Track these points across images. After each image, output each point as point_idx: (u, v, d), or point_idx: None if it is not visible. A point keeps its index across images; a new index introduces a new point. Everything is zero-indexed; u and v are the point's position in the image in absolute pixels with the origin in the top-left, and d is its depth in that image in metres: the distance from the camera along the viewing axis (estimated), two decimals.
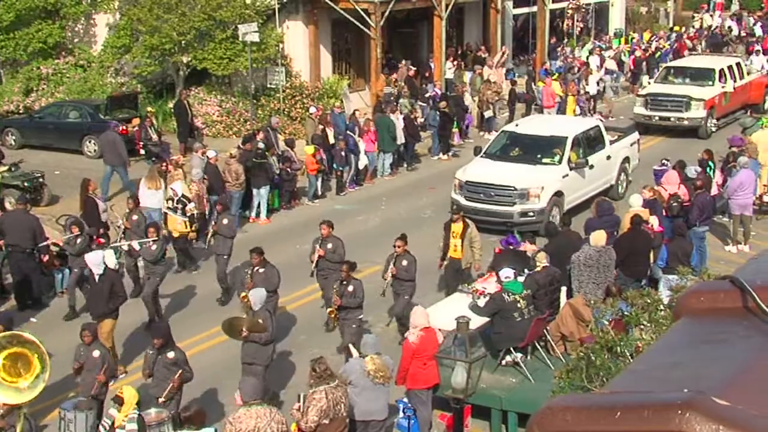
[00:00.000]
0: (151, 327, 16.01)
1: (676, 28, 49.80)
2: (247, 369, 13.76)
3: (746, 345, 2.87)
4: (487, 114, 31.82)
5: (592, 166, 23.52)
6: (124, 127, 28.12)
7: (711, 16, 54.71)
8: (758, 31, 47.89)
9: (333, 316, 15.95)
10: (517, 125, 25.33)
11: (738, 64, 34.60)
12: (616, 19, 49.17)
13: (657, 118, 32.10)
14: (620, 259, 16.34)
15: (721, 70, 33.18)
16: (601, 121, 32.70)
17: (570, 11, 44.39)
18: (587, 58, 39.98)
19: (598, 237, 16.28)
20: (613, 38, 46.04)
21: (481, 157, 23.90)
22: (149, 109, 28.67)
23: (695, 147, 25.58)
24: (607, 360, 10.75)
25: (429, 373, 13.29)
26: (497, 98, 33.07)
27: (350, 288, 15.46)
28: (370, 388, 12.37)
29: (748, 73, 35.02)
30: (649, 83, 35.71)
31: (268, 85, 31.77)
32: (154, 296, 17.87)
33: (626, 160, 25.56)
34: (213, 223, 19.61)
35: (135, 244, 18.40)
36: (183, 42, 30.05)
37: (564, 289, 16.02)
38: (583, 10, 45.58)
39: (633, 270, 16.77)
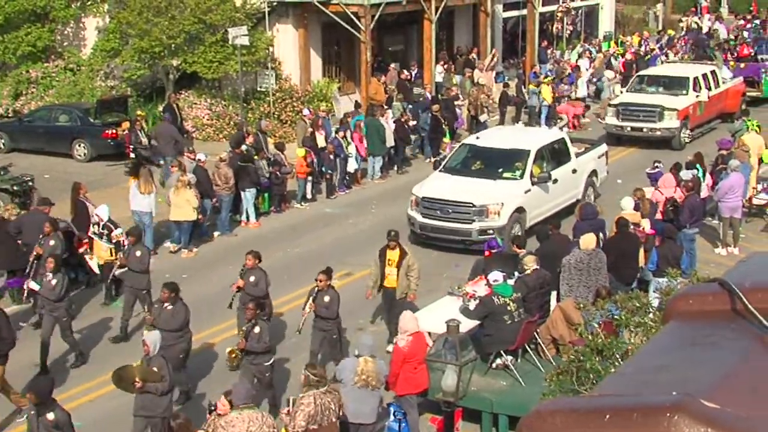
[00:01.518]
0: (31, 381, 13.57)
1: (669, 31, 49.92)
2: (142, 422, 12.54)
3: (734, 348, 2.88)
4: (482, 118, 31.82)
5: (556, 181, 22.46)
6: (114, 131, 28.14)
7: (699, 19, 54.87)
8: (746, 34, 47.97)
9: (233, 356, 14.07)
10: (478, 137, 24.07)
11: (713, 73, 33.44)
12: (606, 22, 49.27)
13: (629, 128, 31.03)
14: (609, 263, 16.34)
15: (696, 79, 32.08)
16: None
17: (560, 14, 44.45)
18: (577, 61, 40.06)
19: (588, 240, 16.30)
20: (603, 41, 46.12)
21: (440, 171, 22.86)
22: (138, 112, 28.63)
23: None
24: (597, 363, 10.77)
25: (419, 377, 13.30)
26: (488, 101, 33.10)
27: (256, 330, 13.86)
28: (359, 389, 12.36)
29: (723, 82, 33.90)
30: (622, 92, 34.87)
31: (258, 89, 31.77)
32: (67, 338, 16.17)
33: (593, 173, 24.46)
34: (122, 255, 17.82)
35: (33, 285, 16.50)
36: (173, 45, 30.02)
37: (554, 292, 16.03)
38: (573, 13, 45.66)
39: (621, 273, 16.75)
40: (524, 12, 40.96)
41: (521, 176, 22.00)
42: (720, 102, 33.27)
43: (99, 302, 19.12)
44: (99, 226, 19.13)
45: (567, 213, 22.08)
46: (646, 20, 54.83)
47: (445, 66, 36.25)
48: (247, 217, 23.66)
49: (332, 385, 11.74)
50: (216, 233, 22.76)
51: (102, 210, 19.26)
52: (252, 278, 15.70)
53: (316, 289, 15.04)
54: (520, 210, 21.47)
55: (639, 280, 17.60)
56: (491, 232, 20.63)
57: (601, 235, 17.89)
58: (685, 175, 21.39)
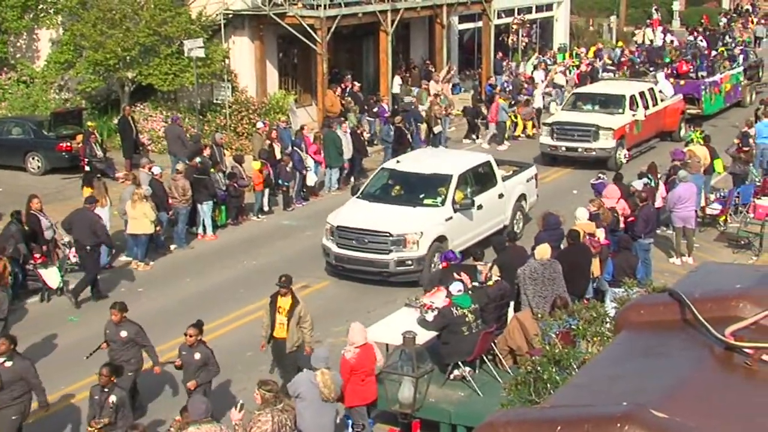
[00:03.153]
0: None
1: (619, 43, 50.42)
2: None
3: (684, 357, 2.91)
4: (437, 129, 31.93)
5: (480, 207, 21.34)
6: (68, 144, 27.90)
7: (653, 31, 55.52)
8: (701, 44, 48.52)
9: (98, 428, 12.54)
10: (398, 161, 22.65)
11: (651, 90, 32.37)
12: (560, 34, 49.72)
13: (564, 148, 29.92)
14: (563, 275, 16.37)
15: (632, 97, 31.02)
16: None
17: (515, 27, 44.78)
18: (532, 73, 40.35)
19: (543, 250, 16.36)
20: (558, 53, 46.50)
21: (357, 197, 21.57)
22: (89, 123, 28.42)
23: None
24: (555, 373, 10.82)
25: (367, 389, 13.29)
26: (446, 113, 33.24)
27: (112, 399, 12.40)
28: (318, 402, 12.34)
29: (662, 100, 32.72)
30: (557, 110, 33.63)
31: (214, 101, 31.67)
32: None
33: (522, 197, 23.31)
34: None
35: None
36: (128, 57, 29.84)
37: (512, 303, 16.09)
38: (528, 25, 46.00)
39: (574, 285, 16.75)
40: (480, 24, 41.25)
41: (443, 203, 20.77)
42: (658, 120, 32.24)
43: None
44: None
45: (528, 222, 22.04)
46: (600, 32, 55.34)
47: (403, 77, 36.35)
48: (204, 230, 23.55)
49: (287, 402, 11.67)
50: (173, 246, 22.63)
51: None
52: (123, 333, 14.21)
53: (186, 344, 13.72)
54: (441, 239, 20.26)
55: (595, 290, 17.72)
56: (409, 263, 19.74)
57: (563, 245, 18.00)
58: (639, 185, 21.61)
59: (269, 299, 15.24)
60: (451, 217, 20.65)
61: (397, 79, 35.95)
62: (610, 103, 31.08)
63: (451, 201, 20.76)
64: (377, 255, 19.92)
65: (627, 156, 29.90)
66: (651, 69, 40.29)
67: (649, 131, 31.77)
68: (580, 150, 29.69)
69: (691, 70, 37.84)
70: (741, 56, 41.93)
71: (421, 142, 31.08)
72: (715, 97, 36.60)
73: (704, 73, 37.54)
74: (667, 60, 41.92)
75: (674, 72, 37.19)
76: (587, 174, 27.66)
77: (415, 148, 30.65)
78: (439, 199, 20.88)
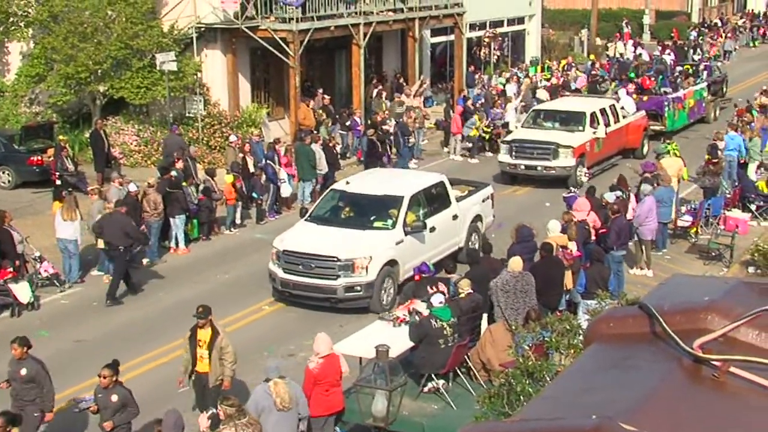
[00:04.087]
0: None
1: (591, 56, 50.75)
2: None
3: (653, 370, 2.93)
4: (411, 142, 31.98)
5: (433, 229, 20.66)
6: (39, 158, 27.74)
7: (624, 44, 55.94)
8: (667, 60, 48.88)
9: None
10: (348, 182, 21.77)
11: (612, 107, 31.71)
12: (532, 48, 49.99)
13: (523, 167, 29.15)
14: (537, 288, 16.42)
15: (593, 114, 30.27)
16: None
17: (487, 40, 44.97)
18: (504, 86, 40.50)
19: (515, 263, 16.40)
20: (530, 66, 46.74)
21: (306, 220, 20.90)
22: (61, 137, 28.26)
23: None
24: (528, 386, 10.86)
25: (332, 399, 13.25)
26: (419, 125, 33.34)
27: None
28: (276, 412, 12.27)
29: (624, 116, 32.11)
30: (517, 127, 32.78)
31: (187, 114, 31.58)
32: None
33: (477, 218, 22.57)
34: None
35: None
36: (99, 71, 29.71)
37: (485, 315, 16.12)
38: (500, 38, 46.22)
39: (546, 298, 16.79)
40: (452, 38, 41.43)
41: (393, 225, 20.03)
42: (620, 137, 31.63)
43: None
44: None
45: (505, 234, 21.87)
46: (571, 45, 55.69)
47: (377, 90, 36.39)
48: (177, 244, 23.46)
49: (252, 416, 11.60)
50: (145, 260, 22.50)
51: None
52: (23, 371, 13.20)
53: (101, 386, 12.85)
54: (391, 263, 19.60)
55: (568, 303, 17.79)
56: (358, 288, 19.05)
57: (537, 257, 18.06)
58: (611, 197, 21.72)
59: (189, 332, 14.41)
60: (402, 241, 19.93)
61: (374, 92, 36.02)
62: (570, 120, 30.30)
63: (402, 223, 20.05)
64: (325, 280, 19.17)
65: (587, 174, 29.23)
66: (617, 84, 40.13)
67: (610, 149, 31.13)
68: (539, 168, 28.98)
69: (655, 86, 37.62)
70: (705, 72, 41.87)
71: (406, 155, 31.08)
72: (679, 113, 36.17)
73: (668, 89, 37.27)
74: (632, 75, 41.66)
75: (638, 88, 37.00)
76: (560, 187, 27.86)
77: (405, 161, 30.77)
78: (389, 222, 20.15)
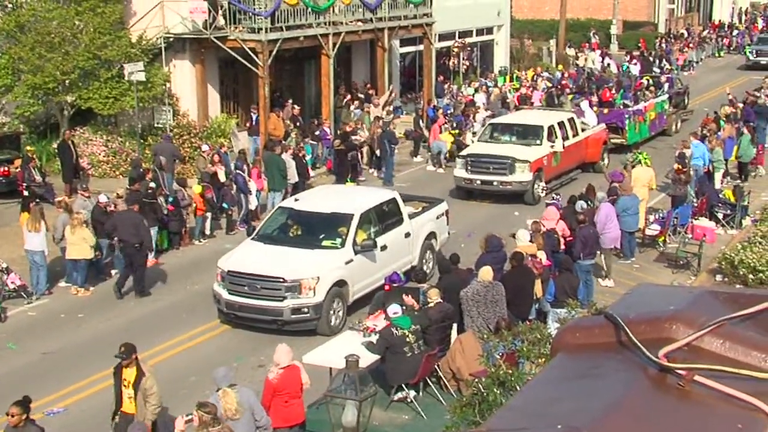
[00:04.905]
0: None
1: (560, 66, 51.01)
2: None
3: (619, 379, 2.95)
4: (379, 152, 31.99)
5: (384, 247, 20.12)
6: (6, 169, 27.52)
7: (595, 54, 56.27)
8: (634, 70, 49.11)
9: None
10: (296, 200, 21.27)
11: (571, 120, 30.97)
12: (501, 57, 50.23)
13: (479, 182, 28.44)
14: (508, 298, 16.46)
15: (551, 127, 29.46)
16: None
17: (456, 50, 45.13)
18: (473, 96, 40.64)
19: (485, 272, 16.46)
20: (498, 76, 46.96)
21: (252, 239, 20.20)
22: (28, 148, 28.05)
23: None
24: (500, 395, 10.88)
25: (291, 411, 13.18)
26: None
27: None
28: (230, 422, 12.17)
29: (583, 130, 31.50)
30: (473, 141, 32.01)
31: (156, 125, 31.45)
32: None
33: (432, 235, 22.02)
34: None
35: None
36: (67, 81, 29.54)
37: (455, 325, 16.15)
38: (469, 48, 46.39)
39: (517, 307, 16.83)
40: (421, 47, 41.53)
41: (342, 244, 19.43)
42: (579, 151, 30.87)
43: None
44: None
45: (472, 245, 21.94)
46: (539, 55, 55.96)
47: (346, 101, 36.41)
48: None
49: (225, 424, 11.55)
50: (114, 271, 22.35)
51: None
52: None
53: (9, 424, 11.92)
54: (340, 283, 18.97)
55: (537, 311, 17.85)
56: (305, 310, 18.39)
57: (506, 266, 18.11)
58: (578, 206, 21.84)
59: (113, 370, 13.95)
60: (351, 260, 19.30)
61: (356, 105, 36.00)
62: (527, 133, 29.59)
63: (351, 242, 19.44)
64: (271, 302, 18.49)
65: (545, 189, 28.54)
66: (574, 96, 39.64)
67: (569, 162, 30.38)
68: (495, 183, 28.23)
69: (615, 98, 37.18)
70: (667, 83, 41.48)
71: (390, 166, 30.97)
72: (640, 125, 35.54)
73: (629, 102, 36.75)
74: (593, 87, 41.36)
75: (599, 100, 36.49)
76: (518, 202, 27.83)
77: (389, 170, 30.61)
78: (338, 241, 19.55)
